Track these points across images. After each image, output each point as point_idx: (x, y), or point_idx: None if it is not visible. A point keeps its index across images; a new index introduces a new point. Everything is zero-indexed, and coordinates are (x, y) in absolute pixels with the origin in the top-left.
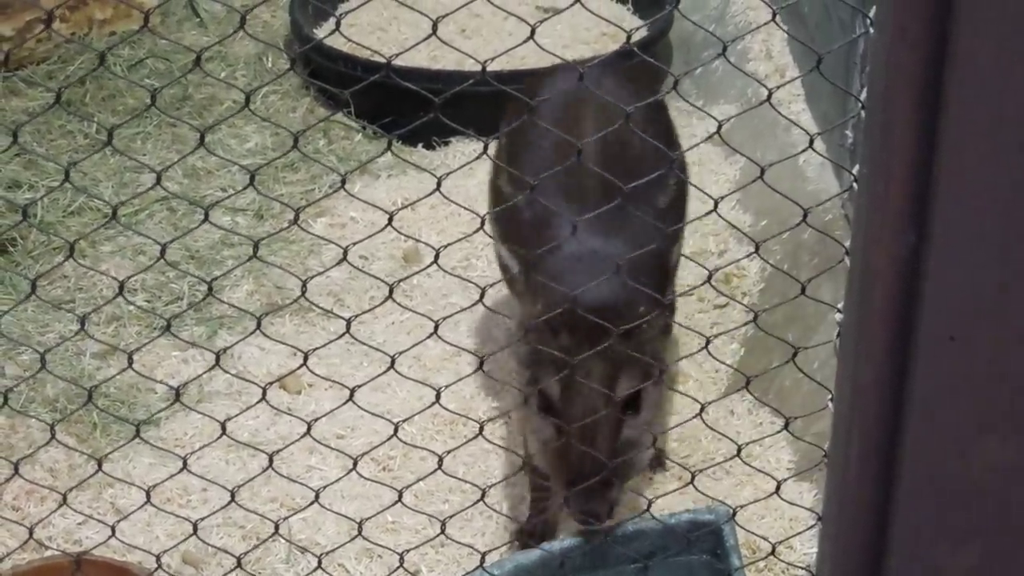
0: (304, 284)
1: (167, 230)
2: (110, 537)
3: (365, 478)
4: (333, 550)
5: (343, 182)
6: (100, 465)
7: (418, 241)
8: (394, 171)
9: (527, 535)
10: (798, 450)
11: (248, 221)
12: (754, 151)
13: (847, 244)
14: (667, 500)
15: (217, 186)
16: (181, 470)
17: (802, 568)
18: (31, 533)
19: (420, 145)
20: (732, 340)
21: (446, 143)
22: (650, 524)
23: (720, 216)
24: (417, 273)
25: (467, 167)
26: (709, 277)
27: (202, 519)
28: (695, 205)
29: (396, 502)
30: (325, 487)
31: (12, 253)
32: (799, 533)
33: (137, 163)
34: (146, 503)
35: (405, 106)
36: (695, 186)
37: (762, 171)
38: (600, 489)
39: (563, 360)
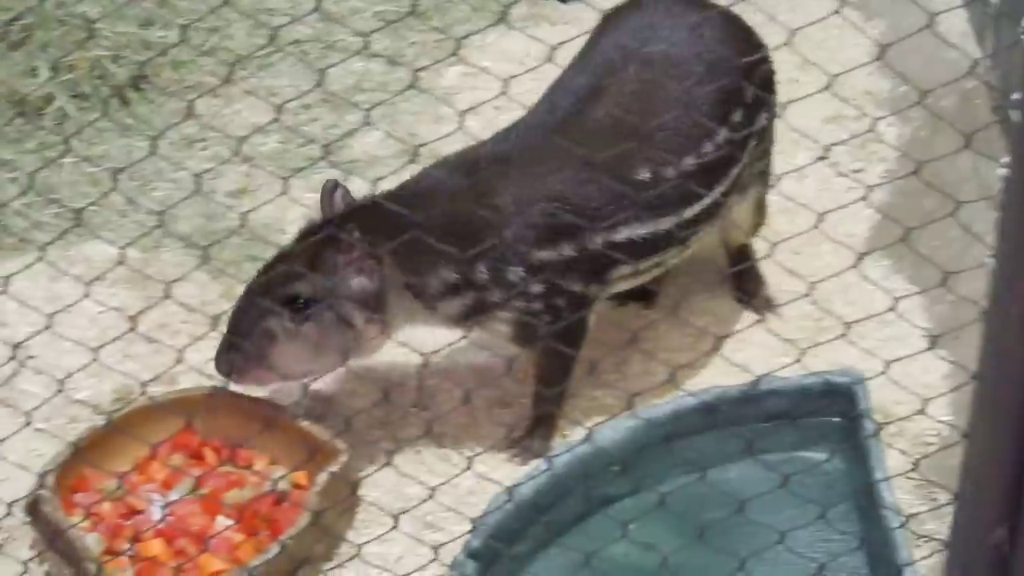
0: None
1: (300, 73)
2: None
3: None
4: None
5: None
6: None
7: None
8: (528, 23)
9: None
10: (932, 317)
11: (381, 67)
12: (894, 14)
13: (992, 108)
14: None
15: (350, 31)
16: None
17: (934, 435)
18: (179, 358)
19: None
20: (867, 205)
21: None
22: (782, 384)
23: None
24: None
25: None
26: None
27: None
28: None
29: None
30: None
31: (146, 91)
32: (940, 395)
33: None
34: None
35: None
36: (811, 60)
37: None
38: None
39: None
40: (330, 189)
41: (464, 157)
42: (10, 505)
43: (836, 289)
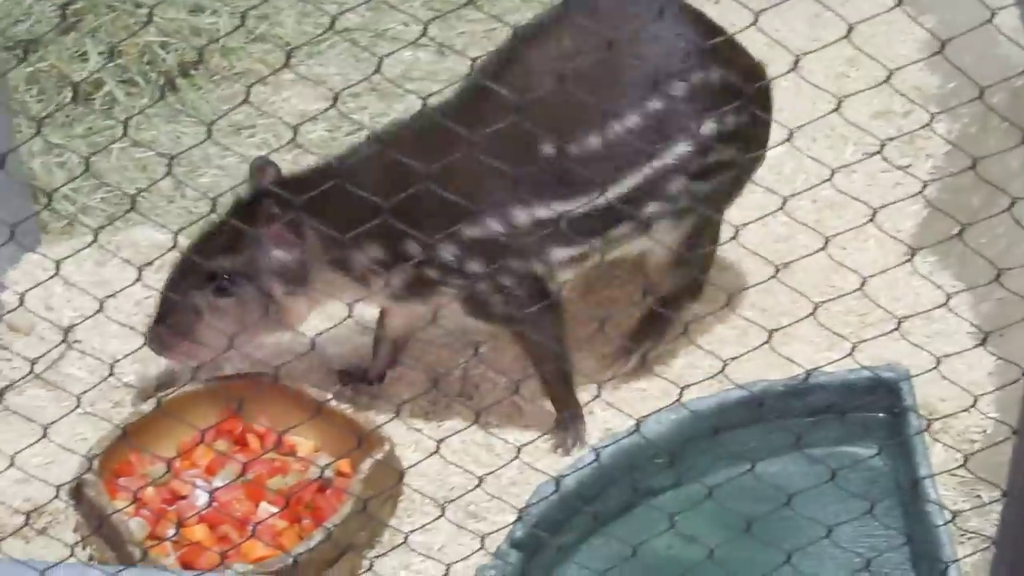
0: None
1: (348, 62)
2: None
3: None
4: None
5: None
6: None
7: None
8: None
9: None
10: (978, 313)
11: (429, 56)
12: (944, 9)
13: None
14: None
15: (399, 20)
16: None
17: (979, 431)
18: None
19: None
20: (916, 200)
21: None
22: (828, 379)
23: None
24: None
25: None
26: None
27: None
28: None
29: None
30: None
31: (194, 77)
32: (988, 392)
33: None
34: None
35: None
36: (867, 53)
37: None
38: None
39: None
40: (259, 166)
41: (388, 133)
42: (57, 488)
43: (882, 284)
